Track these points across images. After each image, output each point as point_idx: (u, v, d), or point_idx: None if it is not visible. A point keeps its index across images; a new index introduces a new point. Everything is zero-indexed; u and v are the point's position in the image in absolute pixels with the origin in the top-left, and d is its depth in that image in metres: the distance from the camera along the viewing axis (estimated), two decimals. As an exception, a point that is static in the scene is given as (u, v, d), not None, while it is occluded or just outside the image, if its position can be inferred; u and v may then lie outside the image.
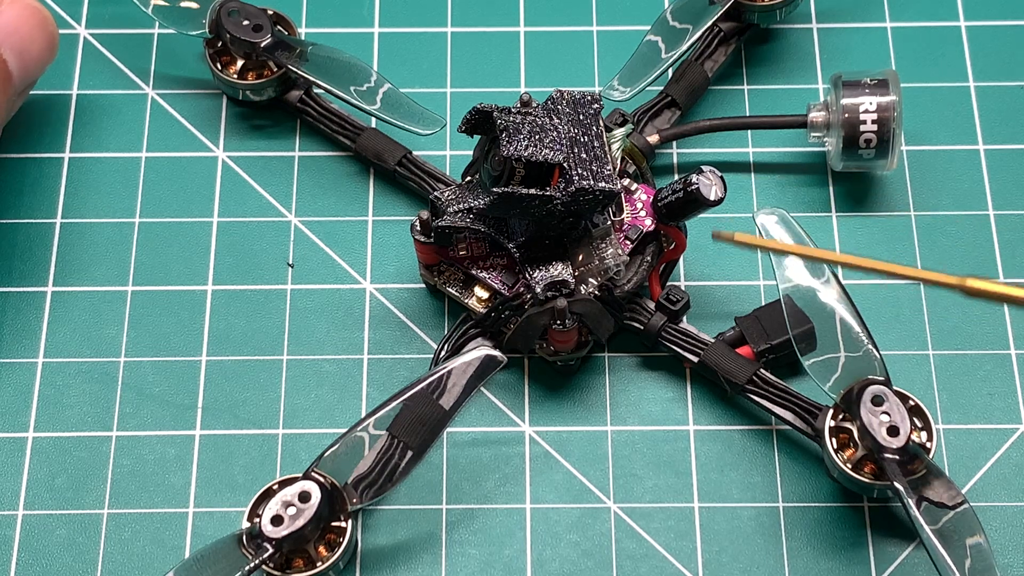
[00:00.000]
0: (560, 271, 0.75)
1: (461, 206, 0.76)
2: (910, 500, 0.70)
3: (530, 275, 0.75)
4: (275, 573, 0.72)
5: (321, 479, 0.73)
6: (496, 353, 0.74)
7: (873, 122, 0.80)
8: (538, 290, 0.75)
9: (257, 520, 0.72)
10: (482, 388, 0.74)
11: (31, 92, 0.86)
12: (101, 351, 0.80)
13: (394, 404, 0.73)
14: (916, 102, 0.86)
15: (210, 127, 0.86)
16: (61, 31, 0.83)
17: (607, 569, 0.75)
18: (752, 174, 0.85)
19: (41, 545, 0.76)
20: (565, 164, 0.73)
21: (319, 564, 0.72)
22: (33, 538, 0.76)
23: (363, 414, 0.75)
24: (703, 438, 0.78)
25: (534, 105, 0.75)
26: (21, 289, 0.82)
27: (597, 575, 0.75)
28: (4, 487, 0.77)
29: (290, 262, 0.83)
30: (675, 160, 0.85)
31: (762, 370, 0.77)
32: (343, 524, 0.73)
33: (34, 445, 0.78)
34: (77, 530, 0.76)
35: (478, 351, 0.74)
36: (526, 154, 0.73)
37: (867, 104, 0.80)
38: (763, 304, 0.79)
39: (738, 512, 0.77)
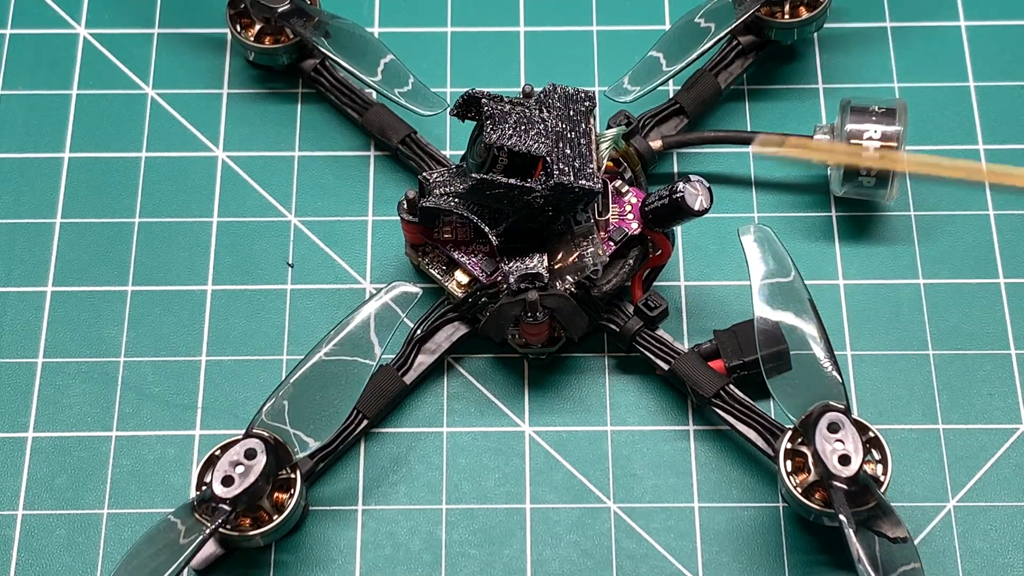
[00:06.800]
0: (536, 264, 0.75)
1: (447, 189, 0.76)
2: (851, 531, 0.70)
3: (506, 264, 0.75)
4: (232, 534, 0.72)
5: (263, 434, 0.73)
6: (410, 287, 0.75)
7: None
8: (511, 280, 0.75)
9: (205, 487, 0.72)
10: (451, 360, 0.74)
11: (32, 92, 0.86)
12: (101, 351, 0.80)
13: (317, 356, 0.73)
14: (916, 102, 0.86)
15: (210, 127, 0.86)
16: (61, 31, 0.83)
17: (607, 569, 0.75)
18: (752, 172, 0.85)
19: (41, 545, 0.76)
20: (548, 158, 0.73)
21: (275, 516, 0.72)
22: (33, 538, 0.76)
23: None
24: (703, 438, 0.78)
25: (533, 98, 0.75)
26: (21, 289, 0.82)
27: (597, 575, 0.75)
28: (4, 487, 0.77)
29: (290, 262, 0.83)
30: (675, 168, 0.85)
31: (731, 386, 0.77)
32: (291, 475, 0.73)
33: (34, 445, 0.78)
34: (77, 530, 0.76)
35: (393, 289, 0.75)
36: (509, 143, 0.73)
37: (871, 132, 0.80)
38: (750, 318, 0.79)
39: (738, 512, 0.77)
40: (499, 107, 0.74)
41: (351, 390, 0.74)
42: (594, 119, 0.77)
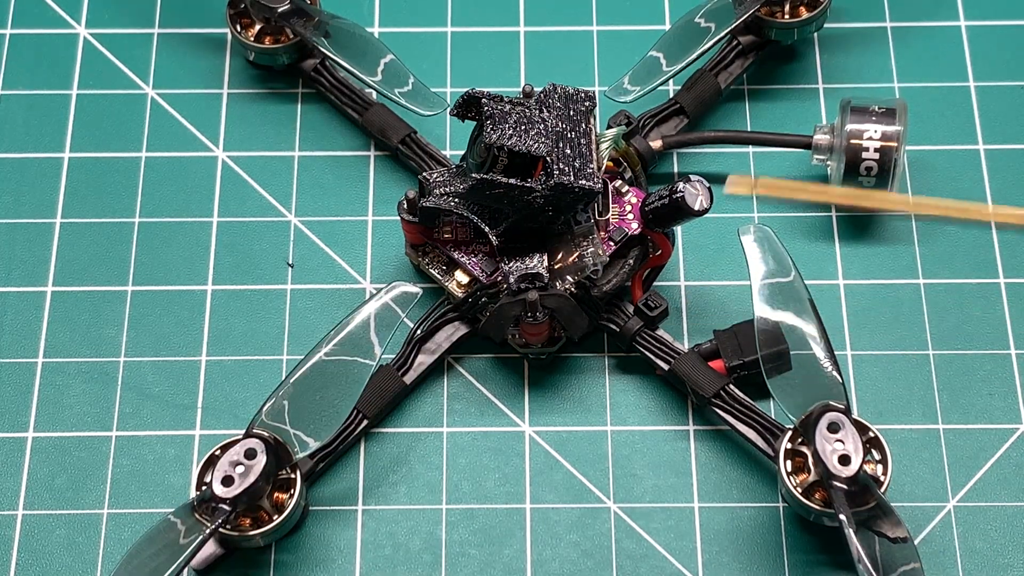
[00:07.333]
0: (536, 264, 0.75)
1: (447, 189, 0.76)
2: (851, 531, 0.70)
3: (506, 264, 0.75)
4: (232, 534, 0.72)
5: (263, 434, 0.73)
6: (410, 287, 0.75)
7: (876, 150, 0.80)
8: (511, 280, 0.75)
9: (205, 487, 0.72)
10: (451, 360, 0.74)
11: (32, 92, 0.86)
12: (101, 351, 0.80)
13: (317, 356, 0.74)
14: (916, 102, 0.86)
15: (210, 127, 0.86)
16: (61, 31, 0.83)
17: (607, 569, 0.75)
18: (752, 173, 0.85)
19: (41, 545, 0.76)
20: (548, 158, 0.73)
21: (275, 516, 0.72)
22: (33, 538, 0.76)
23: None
24: (703, 438, 0.78)
25: (533, 98, 0.75)
26: (21, 289, 0.82)
27: (597, 575, 0.75)
28: (4, 487, 0.77)
29: (290, 262, 0.83)
30: (675, 168, 0.85)
31: (731, 386, 0.77)
32: (291, 475, 0.73)
33: (34, 445, 0.78)
34: (77, 530, 0.76)
35: (393, 289, 0.75)
36: (509, 143, 0.73)
37: (871, 132, 0.80)
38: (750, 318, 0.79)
39: (738, 512, 0.77)
40: (499, 107, 0.74)
41: (351, 390, 0.74)
42: (594, 119, 0.77)
